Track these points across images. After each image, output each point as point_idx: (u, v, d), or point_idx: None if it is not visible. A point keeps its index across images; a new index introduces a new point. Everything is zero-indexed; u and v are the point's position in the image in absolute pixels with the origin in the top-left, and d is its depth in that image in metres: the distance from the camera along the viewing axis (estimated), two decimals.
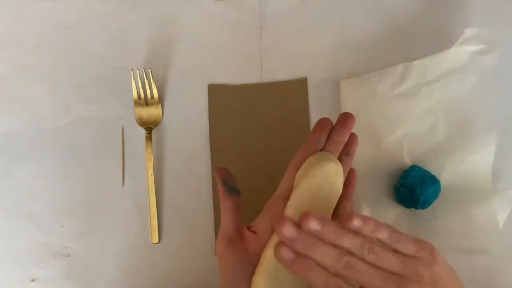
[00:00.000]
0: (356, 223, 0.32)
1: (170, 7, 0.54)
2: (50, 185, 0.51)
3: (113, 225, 0.50)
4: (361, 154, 0.49)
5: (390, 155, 0.49)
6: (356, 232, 0.32)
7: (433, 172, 0.47)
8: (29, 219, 0.50)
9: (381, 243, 0.32)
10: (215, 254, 0.49)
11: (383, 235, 0.32)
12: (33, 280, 0.49)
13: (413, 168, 0.47)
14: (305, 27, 0.54)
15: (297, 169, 0.39)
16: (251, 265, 0.36)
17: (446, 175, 0.48)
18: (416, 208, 0.47)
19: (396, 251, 0.32)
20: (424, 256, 0.32)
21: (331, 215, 0.38)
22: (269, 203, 0.39)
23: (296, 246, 0.32)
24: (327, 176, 0.37)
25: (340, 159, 0.40)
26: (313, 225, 0.32)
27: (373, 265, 0.32)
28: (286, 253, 0.32)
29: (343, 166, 0.40)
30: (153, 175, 0.50)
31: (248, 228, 0.38)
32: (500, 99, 0.49)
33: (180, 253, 0.50)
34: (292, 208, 0.36)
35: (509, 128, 0.50)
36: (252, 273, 0.36)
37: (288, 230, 0.32)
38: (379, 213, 0.48)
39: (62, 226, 0.50)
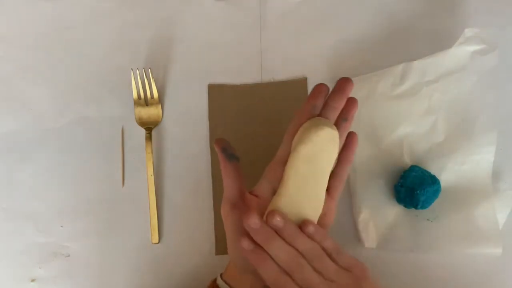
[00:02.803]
0: (311, 229, 0.37)
1: (170, 7, 0.54)
2: (50, 185, 0.51)
3: (113, 225, 0.50)
4: (361, 154, 0.49)
5: (390, 155, 0.49)
6: (309, 237, 0.37)
7: (433, 172, 0.47)
8: (29, 219, 0.50)
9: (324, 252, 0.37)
10: (216, 254, 0.49)
11: (328, 244, 0.37)
12: (33, 280, 0.49)
13: (413, 168, 0.47)
14: (305, 27, 0.54)
15: (293, 135, 0.40)
16: None
17: (446, 175, 0.48)
18: (416, 208, 0.47)
19: (334, 262, 0.37)
20: (356, 272, 0.37)
21: (327, 179, 0.39)
22: (269, 168, 0.41)
23: (258, 237, 0.36)
24: (322, 141, 0.38)
25: (337, 125, 0.41)
26: (276, 221, 0.36)
27: (315, 270, 0.36)
28: (245, 242, 0.36)
29: (340, 132, 0.40)
30: (153, 175, 0.50)
31: (250, 192, 0.40)
32: (500, 99, 0.49)
33: (180, 253, 0.50)
34: (291, 171, 0.38)
35: (509, 128, 0.50)
36: None
37: (253, 221, 0.36)
38: (379, 213, 0.48)
39: (62, 226, 0.50)
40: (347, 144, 0.42)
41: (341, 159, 0.41)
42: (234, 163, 0.41)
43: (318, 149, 0.38)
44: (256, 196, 0.40)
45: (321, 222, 0.40)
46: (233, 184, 0.40)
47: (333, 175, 0.41)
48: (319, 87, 0.41)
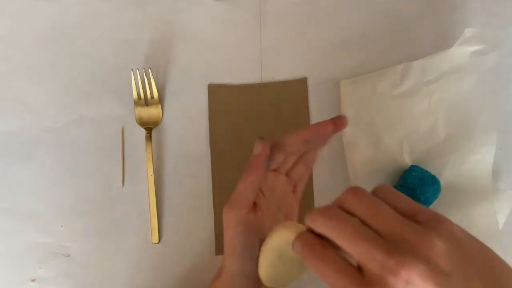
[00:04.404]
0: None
1: (170, 7, 0.54)
2: (50, 185, 0.51)
3: (113, 225, 0.50)
4: (361, 154, 0.49)
5: (390, 155, 0.49)
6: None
7: (433, 172, 0.47)
8: (29, 219, 0.50)
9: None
10: (216, 254, 0.49)
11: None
12: (33, 280, 0.49)
13: (413, 168, 0.47)
14: (305, 26, 0.54)
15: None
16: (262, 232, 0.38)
17: (446, 175, 0.48)
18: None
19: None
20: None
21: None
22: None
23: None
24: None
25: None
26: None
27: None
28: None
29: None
30: (153, 175, 0.50)
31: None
32: (500, 99, 0.49)
33: (180, 253, 0.50)
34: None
35: (509, 128, 0.50)
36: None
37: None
38: None
39: (62, 226, 0.50)
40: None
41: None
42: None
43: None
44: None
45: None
46: (253, 193, 0.39)
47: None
48: (325, 127, 0.40)
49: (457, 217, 0.47)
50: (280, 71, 0.53)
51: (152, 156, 0.50)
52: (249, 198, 0.39)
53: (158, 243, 0.50)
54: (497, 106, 0.48)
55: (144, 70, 0.52)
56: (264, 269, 0.37)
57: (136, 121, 0.52)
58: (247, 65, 0.53)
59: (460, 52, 0.48)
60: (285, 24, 0.54)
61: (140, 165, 0.51)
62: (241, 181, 0.39)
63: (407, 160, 0.49)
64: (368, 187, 0.49)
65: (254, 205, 0.39)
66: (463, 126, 0.48)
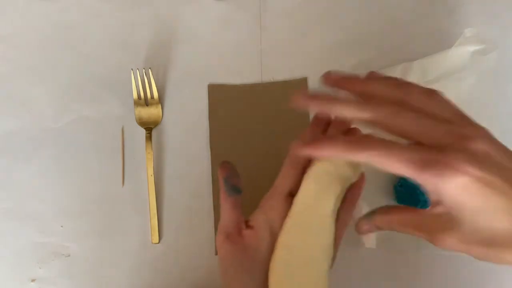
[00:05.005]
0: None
1: (170, 7, 0.54)
2: (50, 185, 0.51)
3: (113, 225, 0.50)
4: None
5: None
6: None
7: None
8: (29, 219, 0.50)
9: None
10: (215, 254, 0.49)
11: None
12: (33, 280, 0.49)
13: None
14: (305, 27, 0.54)
15: (293, 164, 0.38)
16: (249, 260, 0.37)
17: None
18: (416, 208, 0.47)
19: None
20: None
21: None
22: (265, 198, 0.39)
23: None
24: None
25: None
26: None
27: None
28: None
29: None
30: (153, 175, 0.50)
31: (246, 222, 0.39)
32: (500, 99, 0.49)
33: (180, 253, 0.50)
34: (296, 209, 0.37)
35: (509, 128, 0.50)
36: (250, 268, 0.37)
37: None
38: None
39: (62, 226, 0.50)
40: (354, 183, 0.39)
41: (344, 199, 0.39)
42: (233, 198, 0.39)
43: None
44: (251, 227, 0.38)
45: None
46: (229, 217, 0.39)
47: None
48: (317, 118, 0.41)
49: None
50: (280, 71, 0.53)
51: (152, 156, 0.50)
52: (223, 225, 0.39)
53: (158, 243, 0.50)
54: (497, 106, 0.48)
55: (144, 70, 0.52)
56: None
57: (136, 121, 0.52)
58: (247, 65, 0.53)
59: (460, 52, 0.48)
60: (285, 24, 0.54)
61: (140, 165, 0.51)
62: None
63: None
64: (368, 186, 0.49)
65: (247, 227, 0.38)
66: None
